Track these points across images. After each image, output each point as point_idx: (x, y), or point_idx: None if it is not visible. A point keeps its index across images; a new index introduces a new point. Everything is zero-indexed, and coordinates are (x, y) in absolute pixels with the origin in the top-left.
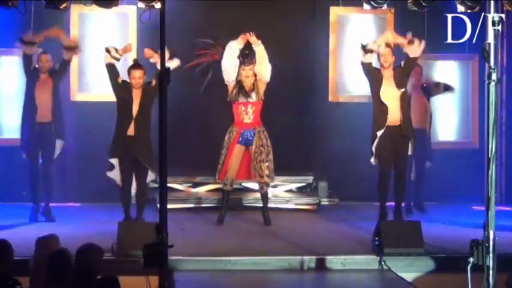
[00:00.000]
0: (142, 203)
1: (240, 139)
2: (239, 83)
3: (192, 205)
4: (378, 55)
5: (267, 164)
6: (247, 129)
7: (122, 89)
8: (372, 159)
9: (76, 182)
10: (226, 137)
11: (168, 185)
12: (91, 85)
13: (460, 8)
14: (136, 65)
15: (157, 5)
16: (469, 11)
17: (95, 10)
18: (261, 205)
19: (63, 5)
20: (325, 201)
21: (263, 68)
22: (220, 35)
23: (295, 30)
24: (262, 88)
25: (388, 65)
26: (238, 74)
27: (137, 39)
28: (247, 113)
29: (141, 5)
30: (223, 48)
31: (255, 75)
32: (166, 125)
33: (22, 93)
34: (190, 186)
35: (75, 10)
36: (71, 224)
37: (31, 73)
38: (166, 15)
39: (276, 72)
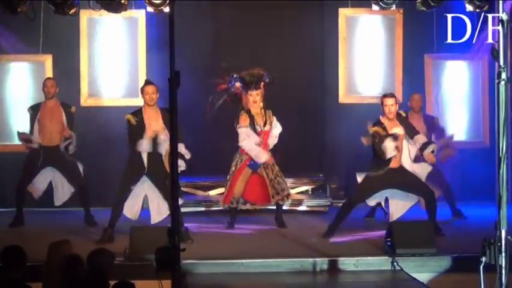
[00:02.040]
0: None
1: (249, 164)
2: (248, 112)
3: (203, 208)
4: (382, 104)
5: (282, 178)
6: None
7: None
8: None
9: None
10: (232, 163)
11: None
12: (101, 90)
13: (469, 7)
14: (148, 82)
15: (166, 9)
16: (477, 10)
17: (104, 15)
18: (272, 207)
19: (72, 11)
20: (336, 203)
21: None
22: (226, 44)
23: (304, 32)
24: (271, 119)
25: (392, 116)
26: (245, 102)
27: (146, 44)
28: (260, 144)
29: (150, 9)
30: (231, 76)
31: (263, 100)
32: (177, 128)
33: (30, 98)
34: (201, 190)
35: (84, 15)
36: (83, 228)
37: None
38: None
39: (285, 75)
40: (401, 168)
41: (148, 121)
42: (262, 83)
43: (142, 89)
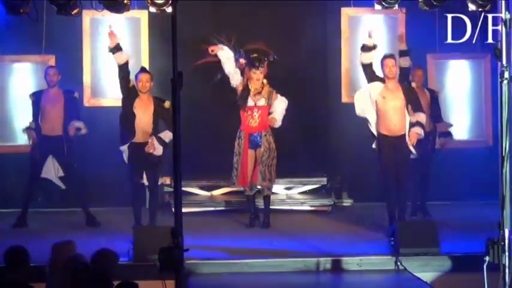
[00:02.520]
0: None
1: (250, 144)
2: (246, 87)
3: (206, 208)
4: (382, 66)
5: (269, 169)
6: (254, 133)
7: (130, 93)
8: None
9: (89, 187)
10: (236, 143)
11: (183, 188)
12: (104, 90)
13: (471, 6)
14: (143, 69)
15: (169, 9)
16: (480, 9)
17: (106, 15)
18: (274, 207)
19: (75, 11)
20: (339, 202)
21: (277, 114)
22: (231, 37)
23: (307, 31)
24: (272, 99)
25: (393, 75)
26: (247, 77)
27: (149, 44)
28: (254, 117)
29: (153, 9)
30: (233, 48)
31: (266, 79)
32: (180, 128)
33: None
34: (204, 190)
35: (87, 16)
36: (86, 228)
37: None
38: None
39: (288, 74)
40: (402, 137)
41: (138, 109)
42: (266, 62)
43: (136, 76)
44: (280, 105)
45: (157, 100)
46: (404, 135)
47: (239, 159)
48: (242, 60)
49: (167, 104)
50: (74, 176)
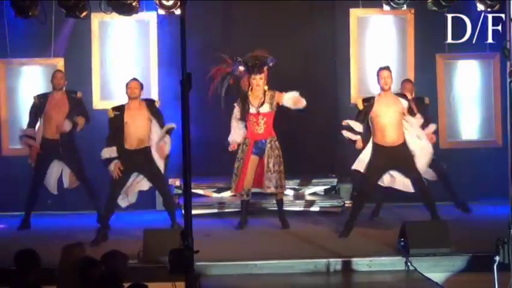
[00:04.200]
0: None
1: (254, 150)
2: (244, 97)
3: (216, 210)
4: (378, 78)
5: (278, 175)
6: (260, 140)
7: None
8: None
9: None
10: (239, 150)
11: (192, 190)
12: (113, 93)
13: (480, 6)
14: (133, 78)
15: (178, 11)
16: (489, 9)
17: (115, 18)
18: (284, 208)
19: (84, 14)
20: (349, 204)
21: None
22: (237, 43)
23: (315, 33)
24: (276, 100)
25: (388, 87)
26: (248, 84)
27: (158, 46)
28: (259, 124)
29: (162, 11)
30: (235, 61)
31: (266, 84)
32: (189, 130)
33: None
34: (213, 192)
35: (96, 18)
36: (96, 230)
37: None
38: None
39: (297, 75)
40: (398, 147)
41: (131, 116)
42: (265, 67)
43: (126, 85)
44: (290, 93)
45: (149, 102)
46: (401, 144)
47: (240, 165)
48: (241, 68)
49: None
50: (84, 175)
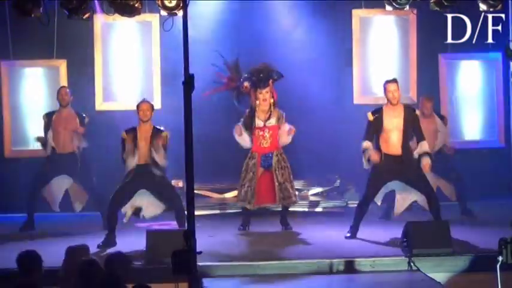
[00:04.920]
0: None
1: (262, 163)
2: (253, 110)
3: (219, 211)
4: (385, 91)
5: (290, 184)
6: (266, 154)
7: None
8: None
9: (100, 192)
10: (244, 163)
11: (195, 191)
12: (116, 94)
13: (482, 7)
14: (144, 100)
15: (180, 13)
16: (491, 9)
17: (117, 19)
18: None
19: (86, 15)
20: (352, 204)
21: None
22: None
23: (318, 33)
24: (280, 121)
25: (396, 102)
26: (254, 99)
27: (160, 47)
28: (265, 137)
29: (164, 13)
30: (238, 73)
31: (273, 97)
32: (192, 131)
33: (45, 103)
34: (217, 192)
35: (98, 20)
36: (100, 232)
37: None
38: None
39: (299, 76)
40: (405, 158)
41: (139, 139)
42: (270, 80)
43: (137, 106)
44: (283, 128)
45: (156, 129)
46: (406, 153)
47: (249, 177)
48: (246, 84)
49: (164, 134)
50: (94, 191)
